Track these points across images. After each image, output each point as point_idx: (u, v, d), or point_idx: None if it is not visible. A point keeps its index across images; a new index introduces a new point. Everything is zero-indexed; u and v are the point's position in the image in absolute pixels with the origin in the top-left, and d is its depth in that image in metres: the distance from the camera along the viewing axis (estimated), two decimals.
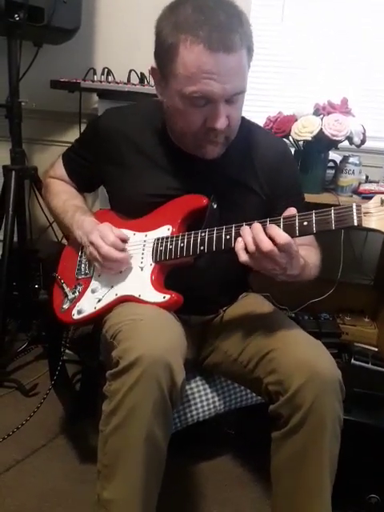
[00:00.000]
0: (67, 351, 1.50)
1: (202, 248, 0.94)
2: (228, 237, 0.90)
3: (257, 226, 0.85)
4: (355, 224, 0.79)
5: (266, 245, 0.82)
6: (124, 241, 1.03)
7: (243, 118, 1.04)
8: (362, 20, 1.85)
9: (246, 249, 0.85)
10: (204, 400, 1.23)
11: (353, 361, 1.43)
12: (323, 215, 0.82)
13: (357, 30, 1.86)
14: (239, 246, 0.85)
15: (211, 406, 1.23)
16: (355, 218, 0.79)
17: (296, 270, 0.88)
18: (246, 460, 1.37)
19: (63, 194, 1.19)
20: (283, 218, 0.85)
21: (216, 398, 1.24)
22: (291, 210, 0.86)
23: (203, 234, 0.94)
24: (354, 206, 0.79)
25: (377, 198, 0.79)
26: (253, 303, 1.13)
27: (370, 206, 0.79)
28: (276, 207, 1.06)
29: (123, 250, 1.01)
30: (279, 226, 0.84)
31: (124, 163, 1.07)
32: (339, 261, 1.69)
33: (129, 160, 1.06)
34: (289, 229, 0.84)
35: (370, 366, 1.40)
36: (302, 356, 0.91)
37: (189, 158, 1.01)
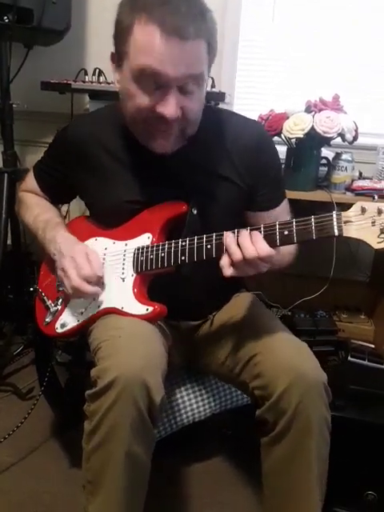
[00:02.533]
0: (63, 354, 1.50)
1: (183, 258, 0.92)
2: (209, 246, 0.89)
3: (243, 232, 0.84)
4: (336, 234, 0.78)
5: (251, 252, 0.82)
6: (98, 277, 0.98)
7: (214, 108, 1.01)
8: (352, 17, 1.84)
9: (230, 262, 0.84)
10: (199, 401, 1.22)
11: (349, 358, 1.42)
12: (304, 224, 0.81)
13: (347, 27, 1.85)
14: (224, 261, 0.85)
15: (206, 406, 1.23)
16: (335, 227, 0.78)
17: (278, 265, 0.91)
18: (241, 461, 1.37)
19: (35, 208, 1.16)
20: (264, 227, 0.84)
21: (211, 399, 1.23)
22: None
23: (184, 244, 0.92)
24: (335, 215, 0.78)
25: (357, 206, 0.78)
26: (242, 305, 1.12)
27: (350, 214, 0.78)
28: (256, 194, 1.04)
29: (96, 283, 0.97)
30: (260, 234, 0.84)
31: (96, 172, 1.04)
32: (332, 257, 1.69)
33: (101, 168, 1.03)
34: (269, 238, 0.83)
35: (366, 362, 1.40)
36: (286, 360, 0.91)
37: (159, 156, 0.96)
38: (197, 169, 1.00)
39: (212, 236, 0.89)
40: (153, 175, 1.00)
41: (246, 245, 0.83)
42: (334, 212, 0.78)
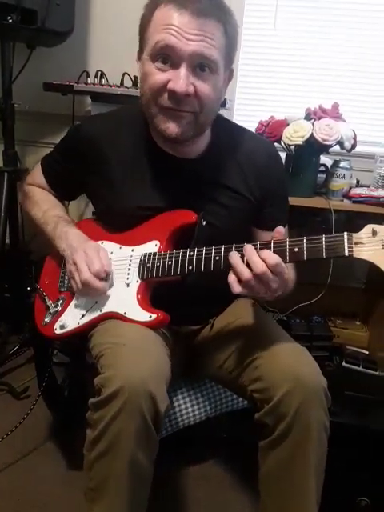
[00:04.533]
0: (59, 354, 1.50)
1: (190, 267, 0.91)
2: (217, 258, 0.88)
3: (249, 248, 0.83)
4: (346, 255, 0.78)
5: (260, 266, 0.80)
6: (107, 273, 0.98)
7: (229, 122, 1.02)
8: (353, 26, 1.86)
9: (238, 280, 0.83)
10: (195, 404, 1.23)
11: (344, 363, 1.44)
12: (314, 243, 0.80)
13: (348, 35, 1.87)
14: (231, 278, 0.84)
15: (202, 410, 1.23)
16: (346, 248, 0.78)
17: (281, 290, 0.88)
18: (238, 463, 1.37)
19: (44, 204, 1.14)
20: (274, 243, 0.84)
21: (207, 403, 1.24)
22: (279, 230, 0.85)
23: (192, 253, 0.92)
24: (346, 236, 0.78)
25: (368, 228, 0.78)
26: (242, 310, 1.12)
27: (361, 236, 0.78)
28: (262, 210, 1.05)
29: (104, 279, 0.98)
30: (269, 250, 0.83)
31: (107, 173, 1.03)
32: (329, 264, 1.70)
33: (112, 170, 1.02)
34: (279, 254, 0.82)
35: (360, 368, 1.41)
36: (287, 364, 0.91)
37: (175, 162, 0.99)
38: (209, 180, 1.01)
39: (221, 248, 0.89)
40: (165, 182, 1.01)
41: (254, 259, 0.82)
42: (345, 233, 0.78)
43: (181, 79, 0.86)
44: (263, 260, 0.81)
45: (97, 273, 0.96)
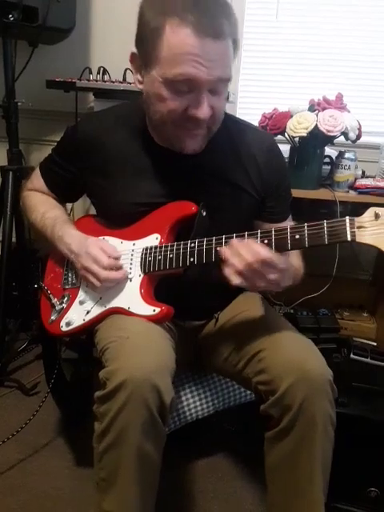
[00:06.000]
0: (67, 351, 1.51)
1: (191, 259, 0.91)
2: (218, 248, 0.88)
3: (234, 242, 0.84)
4: (349, 239, 0.77)
5: (248, 257, 0.81)
6: (117, 258, 0.99)
7: (228, 115, 1.01)
8: (356, 15, 1.85)
9: (234, 271, 0.84)
10: (203, 398, 1.23)
11: (352, 355, 1.43)
12: (316, 229, 0.80)
13: (352, 25, 1.86)
14: (227, 272, 0.84)
15: (210, 403, 1.24)
16: (349, 232, 0.77)
17: (289, 281, 0.88)
18: (246, 456, 1.38)
19: (41, 206, 1.14)
20: (274, 231, 0.84)
21: (214, 396, 1.25)
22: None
23: (193, 245, 0.92)
24: (348, 220, 0.77)
25: (371, 212, 0.77)
26: (247, 303, 1.12)
27: (363, 219, 0.77)
28: (265, 205, 1.05)
29: (120, 266, 0.99)
30: (271, 239, 0.83)
31: (107, 172, 1.03)
32: (335, 255, 1.69)
33: (112, 168, 1.02)
34: (280, 243, 0.82)
35: (368, 360, 1.41)
36: (292, 356, 0.91)
37: (173, 157, 0.97)
38: (208, 174, 1.01)
39: (221, 238, 0.89)
40: (164, 177, 1.01)
41: (241, 252, 0.82)
42: (347, 217, 0.78)
43: (204, 107, 0.86)
44: (255, 253, 0.81)
45: (110, 266, 0.97)
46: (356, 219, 0.77)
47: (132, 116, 1.02)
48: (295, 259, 1.03)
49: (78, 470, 1.31)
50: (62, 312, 1.07)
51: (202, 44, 0.80)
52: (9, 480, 1.26)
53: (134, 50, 0.91)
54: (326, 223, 0.79)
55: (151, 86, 0.88)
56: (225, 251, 0.85)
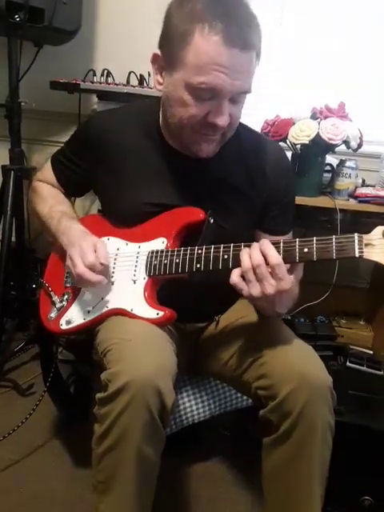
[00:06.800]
0: (64, 352, 1.51)
1: (198, 266, 0.91)
2: (226, 256, 0.88)
3: (254, 244, 0.85)
4: (356, 256, 0.77)
5: (257, 258, 0.82)
6: (104, 265, 0.98)
7: (241, 123, 1.02)
8: (360, 24, 1.85)
9: (240, 273, 0.85)
10: (199, 402, 1.23)
11: (348, 363, 1.44)
12: (324, 243, 0.81)
13: (355, 33, 1.86)
14: (235, 274, 0.85)
15: (206, 408, 1.24)
16: (356, 249, 0.78)
17: (284, 309, 0.90)
18: (242, 461, 1.38)
19: (50, 199, 1.15)
20: (283, 243, 0.84)
21: (211, 401, 1.24)
22: None
23: (200, 251, 0.92)
24: (356, 237, 0.78)
25: (379, 230, 0.78)
26: (247, 308, 1.12)
27: (372, 237, 0.78)
28: (266, 213, 1.06)
29: (101, 272, 0.97)
30: (279, 250, 0.83)
31: (117, 170, 1.03)
32: (335, 264, 1.70)
33: (122, 167, 1.03)
34: (289, 254, 0.83)
35: (364, 368, 1.41)
36: (293, 362, 0.91)
37: (183, 160, 0.99)
38: (217, 180, 1.02)
39: (230, 246, 0.89)
40: (174, 179, 1.01)
41: (254, 253, 0.83)
42: (356, 234, 0.78)
43: (224, 115, 0.88)
44: (265, 256, 0.82)
45: (90, 265, 0.96)
46: (364, 237, 0.78)
47: (146, 115, 1.03)
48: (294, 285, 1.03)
49: (73, 472, 1.31)
50: (63, 310, 1.07)
51: (229, 54, 0.81)
52: (2, 481, 1.26)
53: (157, 50, 0.92)
54: (335, 238, 0.80)
55: (173, 88, 0.89)
56: (243, 253, 0.85)
